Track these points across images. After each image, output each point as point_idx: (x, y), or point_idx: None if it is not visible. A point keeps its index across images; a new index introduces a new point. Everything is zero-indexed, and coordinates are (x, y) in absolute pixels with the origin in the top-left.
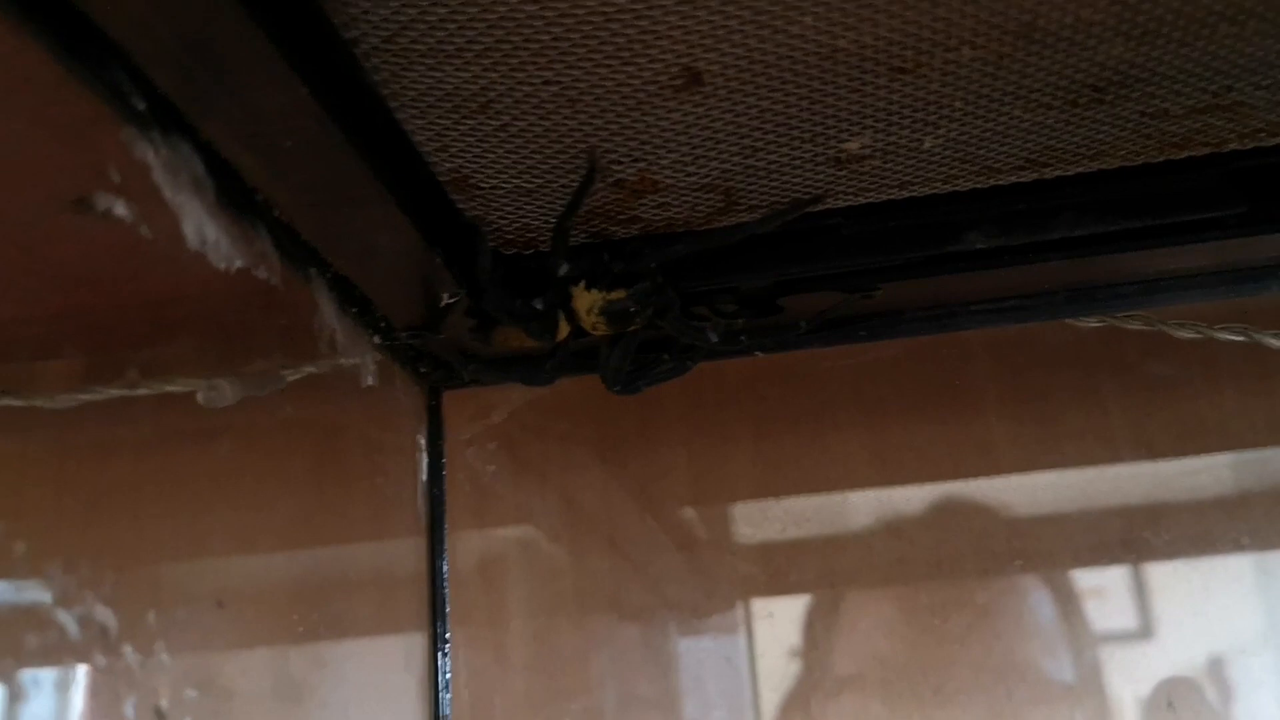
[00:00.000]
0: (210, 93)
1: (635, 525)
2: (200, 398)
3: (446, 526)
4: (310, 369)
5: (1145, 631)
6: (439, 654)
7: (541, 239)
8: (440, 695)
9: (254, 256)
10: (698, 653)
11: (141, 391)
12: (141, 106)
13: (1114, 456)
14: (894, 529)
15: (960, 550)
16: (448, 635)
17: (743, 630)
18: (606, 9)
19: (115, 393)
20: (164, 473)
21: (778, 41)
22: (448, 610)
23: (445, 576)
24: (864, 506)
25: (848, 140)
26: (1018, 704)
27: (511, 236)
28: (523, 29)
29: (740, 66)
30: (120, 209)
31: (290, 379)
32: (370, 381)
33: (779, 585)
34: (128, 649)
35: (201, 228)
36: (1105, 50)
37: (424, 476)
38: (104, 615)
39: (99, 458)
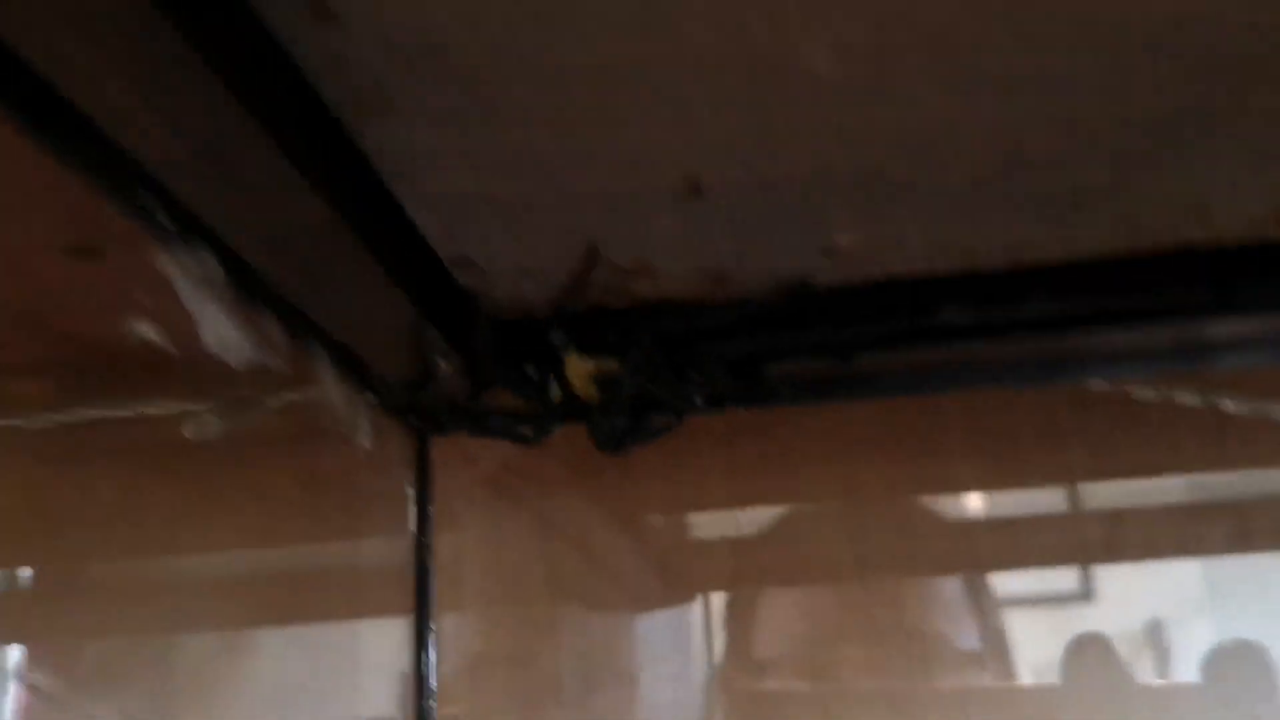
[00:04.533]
0: (229, 202)
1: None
2: (187, 431)
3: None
4: (292, 396)
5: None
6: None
7: (536, 308)
8: None
9: (264, 345)
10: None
11: (122, 413)
12: (165, 220)
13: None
14: (856, 537)
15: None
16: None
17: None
18: (612, 121)
19: (95, 414)
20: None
21: (778, 158)
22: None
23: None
24: (827, 516)
25: (839, 235)
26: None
27: (507, 305)
28: (532, 141)
29: (740, 177)
30: (148, 331)
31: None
32: (366, 444)
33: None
34: None
35: (218, 330)
36: (1084, 174)
37: (413, 526)
38: None
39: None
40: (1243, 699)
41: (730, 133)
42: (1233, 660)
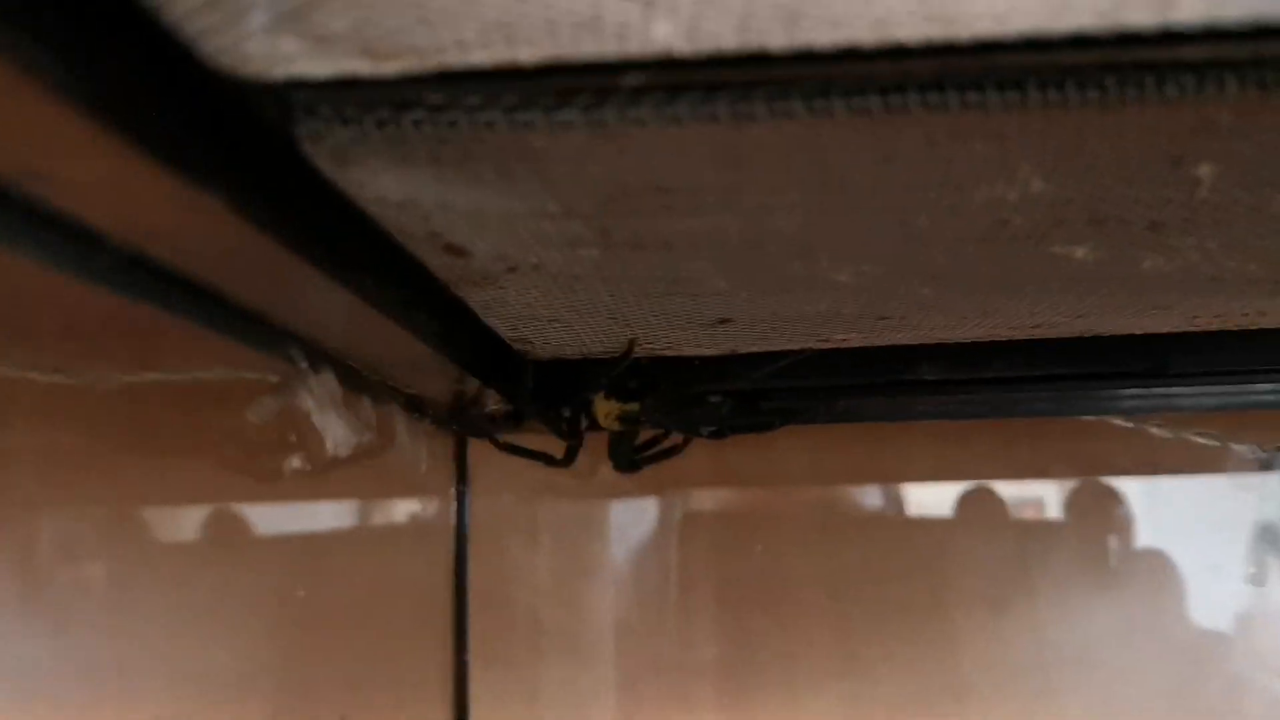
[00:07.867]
0: (356, 348)
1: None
2: (251, 415)
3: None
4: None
5: None
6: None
7: (569, 358)
8: None
9: (362, 428)
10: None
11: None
12: (300, 358)
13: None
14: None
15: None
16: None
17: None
18: (664, 296)
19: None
20: None
21: (797, 307)
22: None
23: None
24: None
25: (841, 336)
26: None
27: (546, 358)
28: (594, 301)
29: (762, 316)
30: (297, 464)
31: None
32: (423, 469)
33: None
34: None
35: (336, 436)
36: (1050, 313)
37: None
38: None
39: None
40: None
41: (761, 305)
42: None
